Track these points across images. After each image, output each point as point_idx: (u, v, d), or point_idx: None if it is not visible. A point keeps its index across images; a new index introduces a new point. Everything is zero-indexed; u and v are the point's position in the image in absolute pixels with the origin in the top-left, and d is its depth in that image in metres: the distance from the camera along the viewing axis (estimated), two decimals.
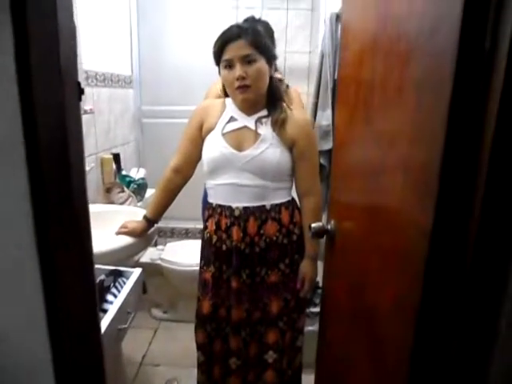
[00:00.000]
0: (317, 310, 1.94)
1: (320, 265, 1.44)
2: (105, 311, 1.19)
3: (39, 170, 0.59)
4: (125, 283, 1.36)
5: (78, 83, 0.67)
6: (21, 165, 0.59)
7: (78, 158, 0.66)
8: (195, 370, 1.62)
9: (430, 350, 0.72)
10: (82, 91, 0.69)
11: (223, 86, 1.44)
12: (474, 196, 0.61)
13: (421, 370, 0.74)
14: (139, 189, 2.38)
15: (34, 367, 0.74)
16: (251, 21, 1.75)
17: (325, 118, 2.06)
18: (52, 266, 0.64)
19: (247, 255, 1.41)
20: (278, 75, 1.68)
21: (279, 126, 1.39)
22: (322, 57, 2.12)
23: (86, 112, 2.02)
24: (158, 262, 2.35)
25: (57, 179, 0.62)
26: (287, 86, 1.81)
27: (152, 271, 2.34)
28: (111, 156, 2.36)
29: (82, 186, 0.68)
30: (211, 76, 1.78)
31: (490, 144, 0.58)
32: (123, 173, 2.41)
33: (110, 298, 1.28)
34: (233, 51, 1.31)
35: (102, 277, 1.33)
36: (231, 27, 1.36)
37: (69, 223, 0.66)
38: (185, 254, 2.33)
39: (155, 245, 2.68)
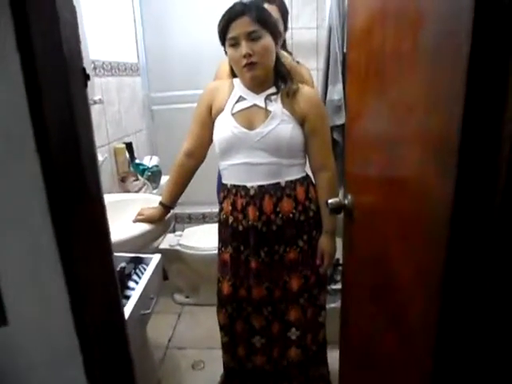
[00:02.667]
0: (338, 286, 1.94)
1: (339, 242, 1.43)
2: (127, 297, 1.20)
3: (50, 157, 0.58)
4: (145, 269, 1.37)
5: (83, 69, 0.66)
6: (32, 156, 0.59)
7: (88, 144, 0.65)
8: (220, 352, 1.64)
9: (456, 320, 0.71)
10: (87, 77, 0.68)
11: (230, 66, 1.43)
12: (499, 161, 0.59)
13: (446, 341, 0.73)
14: (154, 176, 2.38)
15: (62, 355, 0.75)
16: None
17: (336, 92, 2.01)
18: (71, 256, 0.64)
19: (264, 234, 1.41)
20: (287, 55, 1.66)
21: (291, 97, 1.37)
22: (330, 30, 2.06)
23: (95, 102, 2.02)
24: (177, 247, 2.37)
25: (69, 166, 0.62)
26: (297, 62, 1.77)
27: (171, 257, 2.37)
28: (124, 145, 2.37)
29: (94, 171, 0.68)
30: (218, 58, 1.75)
31: None
32: (137, 161, 2.42)
33: (131, 284, 1.30)
34: (237, 28, 1.29)
35: (123, 264, 1.35)
36: (235, 5, 1.34)
37: (85, 211, 0.66)
38: (203, 239, 2.34)
39: (173, 231, 2.70)
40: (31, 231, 0.64)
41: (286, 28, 1.79)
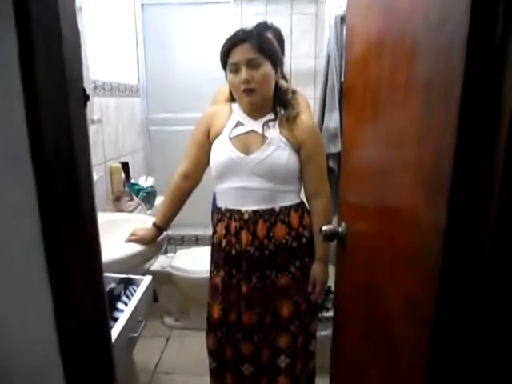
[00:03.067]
0: (329, 314, 1.92)
1: (331, 269, 1.43)
2: (115, 319, 1.18)
3: (45, 173, 0.58)
4: (135, 291, 1.35)
5: (84, 90, 0.67)
6: (28, 174, 0.59)
7: (85, 163, 0.66)
8: (208, 379, 1.61)
9: (447, 353, 0.70)
10: (87, 98, 0.69)
11: (230, 91, 1.45)
12: (491, 191, 0.59)
13: (438, 374, 0.72)
14: (148, 197, 2.38)
15: (45, 374, 0.73)
16: (262, 26, 1.77)
17: (332, 120, 2.05)
18: (61, 272, 0.64)
19: (257, 259, 1.40)
20: (283, 83, 1.69)
21: (290, 123, 1.39)
22: (328, 60, 2.11)
23: (93, 122, 2.04)
24: (169, 269, 2.35)
25: (64, 184, 0.62)
26: (293, 91, 1.80)
27: (162, 279, 2.34)
28: (120, 165, 2.37)
29: (89, 190, 0.67)
30: (217, 82, 1.79)
31: (506, 138, 0.56)
32: (132, 181, 2.42)
33: (120, 306, 1.27)
34: (238, 55, 1.32)
35: (113, 285, 1.33)
36: (237, 32, 1.38)
37: (77, 229, 0.65)
38: (195, 261, 2.32)
39: (165, 252, 2.68)
40: (21, 246, 0.64)
41: (283, 55, 1.82)
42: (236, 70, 1.34)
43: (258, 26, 1.77)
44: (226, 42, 1.36)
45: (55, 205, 0.62)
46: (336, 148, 2.03)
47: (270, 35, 1.73)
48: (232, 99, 1.47)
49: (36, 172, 0.59)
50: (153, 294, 1.65)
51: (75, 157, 0.63)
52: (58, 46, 0.58)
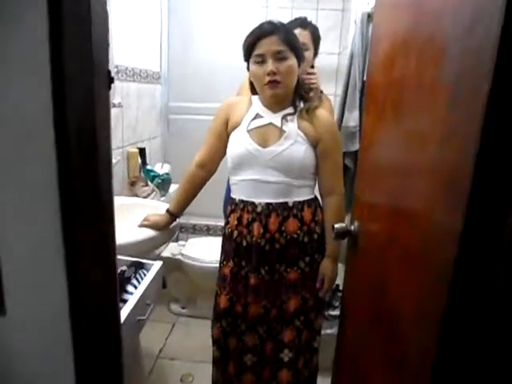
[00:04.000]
0: (336, 312, 1.92)
1: (341, 267, 1.42)
2: (125, 301, 1.20)
3: (67, 153, 0.59)
4: (145, 275, 1.37)
5: (109, 71, 0.68)
6: (50, 148, 0.60)
7: (105, 144, 0.67)
8: (211, 367, 1.62)
9: (454, 358, 0.70)
10: (111, 80, 0.69)
11: (250, 83, 1.45)
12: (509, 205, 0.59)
13: (443, 378, 0.72)
14: (163, 183, 2.40)
15: (54, 348, 0.75)
16: (300, 22, 1.73)
17: (352, 119, 2.04)
18: (75, 250, 0.65)
19: (267, 252, 1.40)
20: (312, 76, 1.68)
21: (309, 115, 1.40)
22: (352, 57, 2.09)
23: (114, 105, 2.05)
24: (179, 257, 2.37)
25: (84, 162, 0.63)
26: (321, 91, 1.79)
27: (172, 266, 2.36)
28: (137, 150, 2.39)
29: (108, 171, 0.68)
30: (238, 75, 1.78)
31: None
32: (148, 167, 2.44)
33: (130, 288, 1.29)
34: (266, 46, 1.32)
35: (124, 267, 1.35)
36: (264, 23, 1.37)
37: (94, 208, 0.66)
38: (205, 251, 2.34)
39: (176, 240, 2.70)
40: (39, 226, 0.65)
41: (316, 54, 1.79)
42: (262, 61, 1.33)
43: (296, 20, 1.75)
44: (253, 33, 1.36)
45: (74, 181, 0.63)
46: (354, 146, 2.01)
47: (307, 33, 1.71)
48: (253, 91, 1.47)
49: (58, 148, 0.60)
50: (162, 281, 1.67)
51: (96, 135, 0.63)
52: (87, 27, 0.59)
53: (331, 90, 2.77)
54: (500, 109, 0.58)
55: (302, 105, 1.43)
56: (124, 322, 1.07)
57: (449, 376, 0.71)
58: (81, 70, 0.61)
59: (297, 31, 1.64)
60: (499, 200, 0.61)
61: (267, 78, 1.33)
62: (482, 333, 0.65)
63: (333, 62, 2.94)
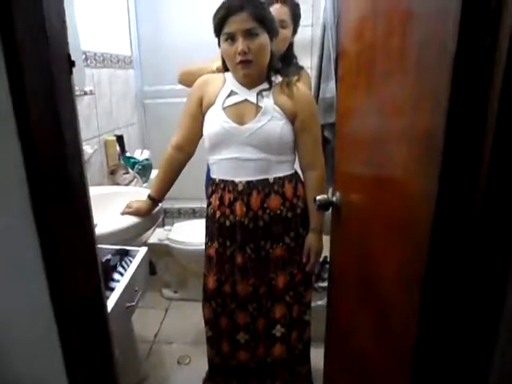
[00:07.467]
0: (325, 284, 1.94)
1: (327, 240, 1.43)
2: (112, 289, 1.19)
3: (31, 141, 0.58)
4: (131, 262, 1.36)
5: (69, 55, 0.65)
6: (13, 137, 0.58)
7: (71, 126, 0.64)
8: (206, 347, 1.64)
9: (436, 321, 0.72)
10: (72, 63, 0.67)
11: (222, 60, 1.41)
12: (481, 162, 0.59)
13: (426, 340, 0.73)
14: (144, 170, 2.37)
15: (41, 346, 0.74)
16: None
17: (329, 90, 2.01)
18: (51, 241, 0.64)
19: (251, 230, 1.40)
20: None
21: (288, 89, 1.37)
22: (324, 28, 2.05)
23: (86, 93, 2.00)
24: (166, 242, 2.36)
25: (50, 148, 0.61)
26: (301, 67, 1.76)
27: (161, 252, 2.36)
28: (114, 138, 2.35)
29: (78, 158, 0.67)
30: (212, 52, 1.74)
31: (497, 106, 0.55)
32: (127, 154, 2.40)
33: (116, 276, 1.29)
34: (235, 24, 1.26)
35: (109, 256, 1.34)
36: None
37: (66, 194, 0.65)
38: (192, 234, 2.33)
39: (163, 225, 2.68)
40: (11, 217, 0.64)
41: (295, 31, 1.74)
42: (232, 39, 1.28)
43: None
44: (221, 9, 1.28)
45: (42, 169, 0.61)
46: (332, 118, 1.99)
47: (286, 9, 1.64)
48: (225, 68, 1.43)
49: (21, 138, 0.58)
50: (151, 267, 1.66)
51: (61, 120, 0.61)
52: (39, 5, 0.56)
53: (307, 63, 2.73)
54: (467, 68, 0.58)
55: (278, 79, 1.40)
56: (112, 309, 1.07)
57: (431, 336, 0.73)
58: (37, 55, 0.58)
59: (276, 6, 1.60)
60: (472, 160, 0.61)
61: (238, 58, 1.28)
62: (460, 292, 0.67)
63: (306, 34, 2.89)
